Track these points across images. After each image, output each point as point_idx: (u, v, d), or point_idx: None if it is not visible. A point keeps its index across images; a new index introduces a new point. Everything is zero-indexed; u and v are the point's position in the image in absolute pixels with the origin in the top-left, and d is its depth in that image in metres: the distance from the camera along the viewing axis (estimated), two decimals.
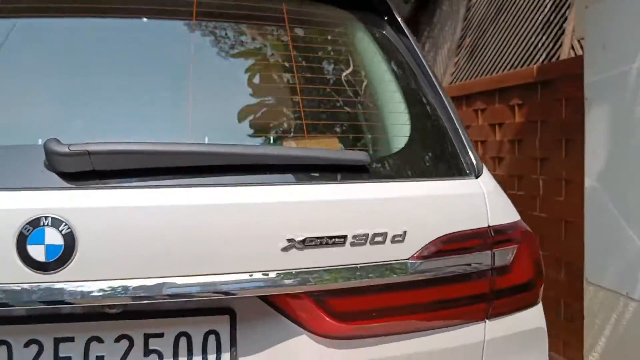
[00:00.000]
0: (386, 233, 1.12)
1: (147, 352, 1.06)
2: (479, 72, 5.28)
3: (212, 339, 1.08)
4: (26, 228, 0.97)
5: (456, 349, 1.18)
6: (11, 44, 1.26)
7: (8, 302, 0.96)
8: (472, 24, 6.16)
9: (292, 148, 1.21)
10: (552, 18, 4.69)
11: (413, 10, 8.70)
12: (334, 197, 1.12)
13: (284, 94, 1.37)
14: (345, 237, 1.09)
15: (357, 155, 1.17)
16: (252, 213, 1.06)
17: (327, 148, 1.24)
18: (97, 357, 1.04)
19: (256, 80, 1.37)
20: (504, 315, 1.24)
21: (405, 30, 1.48)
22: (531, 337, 1.30)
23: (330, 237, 1.08)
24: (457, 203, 1.21)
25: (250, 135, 1.27)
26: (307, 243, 1.07)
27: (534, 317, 1.31)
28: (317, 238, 1.07)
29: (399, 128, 1.31)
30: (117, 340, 1.06)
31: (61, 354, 1.03)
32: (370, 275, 1.10)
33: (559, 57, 4.02)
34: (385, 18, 1.48)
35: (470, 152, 1.30)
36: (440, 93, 1.39)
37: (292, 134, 1.28)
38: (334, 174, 1.15)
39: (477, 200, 1.22)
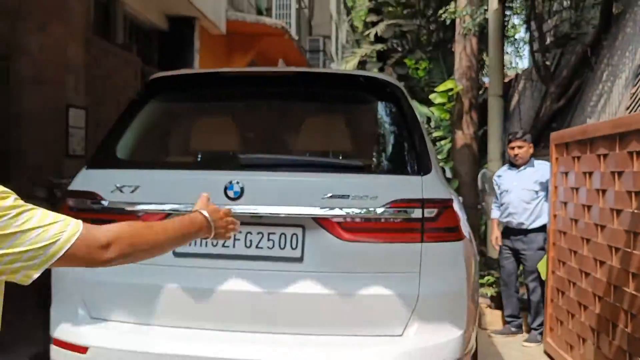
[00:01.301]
0: (367, 195, 2.42)
1: (269, 240, 2.49)
2: None
3: (294, 236, 2.47)
4: (227, 184, 2.45)
5: (407, 250, 2.44)
6: (230, 109, 3.15)
7: None
8: None
9: (333, 158, 2.83)
10: None
11: (597, 35, 7.62)
12: (347, 180, 2.51)
13: (342, 133, 3.02)
14: (349, 195, 2.42)
15: (356, 162, 2.68)
16: (313, 182, 2.52)
17: (349, 159, 2.80)
18: (250, 240, 2.49)
19: (331, 128, 3.01)
20: (433, 241, 2.44)
21: (401, 99, 2.82)
22: (452, 257, 2.52)
23: (342, 195, 2.42)
24: (406, 186, 2.49)
25: (323, 152, 2.90)
26: (332, 196, 2.42)
27: (454, 247, 2.51)
28: (337, 195, 2.42)
29: (384, 152, 2.84)
30: (258, 233, 2.49)
31: (235, 238, 2.48)
32: (359, 213, 2.43)
33: None
34: (390, 91, 2.86)
35: (420, 163, 2.58)
36: (418, 133, 2.70)
37: (341, 155, 2.91)
38: (349, 170, 2.62)
39: (417, 186, 2.47)
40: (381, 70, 12.86)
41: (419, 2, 10.94)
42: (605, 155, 3.45)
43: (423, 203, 2.40)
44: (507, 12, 11.10)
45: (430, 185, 2.46)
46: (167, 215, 2.43)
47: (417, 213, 2.40)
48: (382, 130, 2.87)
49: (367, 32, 12.83)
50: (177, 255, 2.45)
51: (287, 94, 2.97)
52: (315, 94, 2.98)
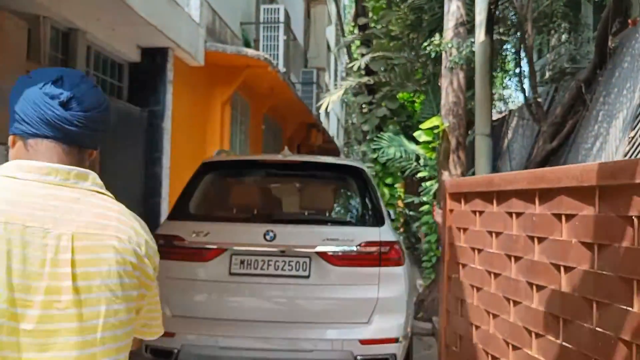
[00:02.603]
0: (348, 239, 4.13)
1: (289, 265, 4.13)
2: None
3: (304, 263, 4.12)
4: (266, 232, 4.14)
5: (370, 273, 4.09)
6: (262, 182, 5.36)
7: (259, 248, 4.17)
8: None
9: (328, 216, 4.92)
10: None
11: (592, 70, 7.05)
12: (336, 229, 4.39)
13: (333, 199, 5.29)
14: (337, 239, 4.12)
15: (341, 218, 5.00)
16: (316, 230, 4.34)
17: (337, 216, 5.11)
18: (277, 265, 4.14)
19: (326, 196, 5.24)
20: (386, 266, 4.08)
21: (365, 177, 4.59)
22: (397, 276, 4.12)
23: (333, 238, 4.13)
24: (370, 233, 4.18)
25: (322, 211, 5.02)
26: (328, 239, 4.13)
27: (398, 270, 4.13)
28: (330, 238, 4.13)
29: (356, 212, 4.82)
30: (282, 261, 4.14)
31: (268, 264, 4.17)
32: (343, 250, 4.10)
33: None
34: (358, 172, 4.65)
35: (378, 219, 4.29)
36: (376, 199, 4.46)
37: (332, 213, 5.16)
38: (337, 223, 4.71)
39: (376, 233, 4.17)
40: (370, 104, 12.34)
41: (407, 34, 10.46)
42: (519, 214, 2.76)
43: (380, 243, 4.06)
44: (506, 46, 10.59)
45: (384, 233, 4.15)
46: (224, 250, 4.12)
47: (376, 249, 4.04)
48: (356, 198, 4.73)
49: (351, 65, 12.33)
50: (232, 274, 4.08)
51: (299, 173, 4.89)
52: (316, 174, 4.95)
